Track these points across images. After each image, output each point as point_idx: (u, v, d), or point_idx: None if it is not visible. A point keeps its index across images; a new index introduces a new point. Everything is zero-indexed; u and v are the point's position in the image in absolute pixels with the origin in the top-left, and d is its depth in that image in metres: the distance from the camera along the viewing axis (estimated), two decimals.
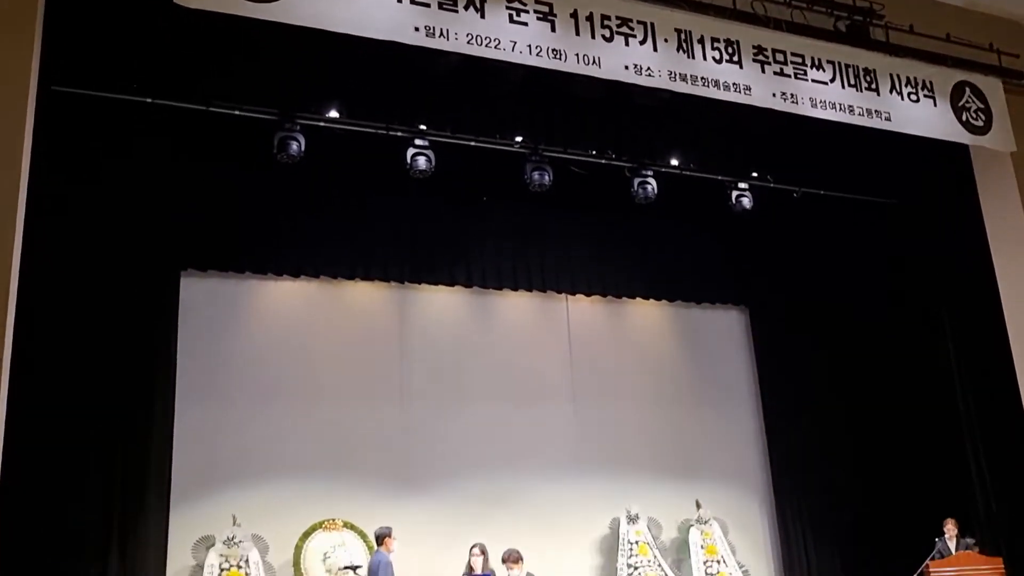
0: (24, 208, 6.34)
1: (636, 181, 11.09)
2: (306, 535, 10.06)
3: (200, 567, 9.65)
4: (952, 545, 10.63)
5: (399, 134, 10.16)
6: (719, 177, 11.60)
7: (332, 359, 11.13)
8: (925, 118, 9.48)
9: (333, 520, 10.22)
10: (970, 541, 10.52)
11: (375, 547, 8.61)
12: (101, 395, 9.56)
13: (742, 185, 11.64)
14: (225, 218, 10.36)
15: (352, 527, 10.27)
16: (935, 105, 9.60)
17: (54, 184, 9.03)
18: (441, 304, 11.85)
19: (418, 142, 10.12)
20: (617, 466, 12.11)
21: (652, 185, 11.11)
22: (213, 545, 9.72)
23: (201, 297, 10.57)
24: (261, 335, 10.86)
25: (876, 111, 9.27)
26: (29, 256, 6.86)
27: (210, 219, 10.29)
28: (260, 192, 10.48)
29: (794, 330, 13.19)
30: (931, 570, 10.32)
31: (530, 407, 11.88)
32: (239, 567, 9.71)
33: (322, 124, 9.91)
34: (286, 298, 11.11)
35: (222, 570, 9.62)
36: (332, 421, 10.90)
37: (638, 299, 12.83)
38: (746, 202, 11.64)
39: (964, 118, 9.76)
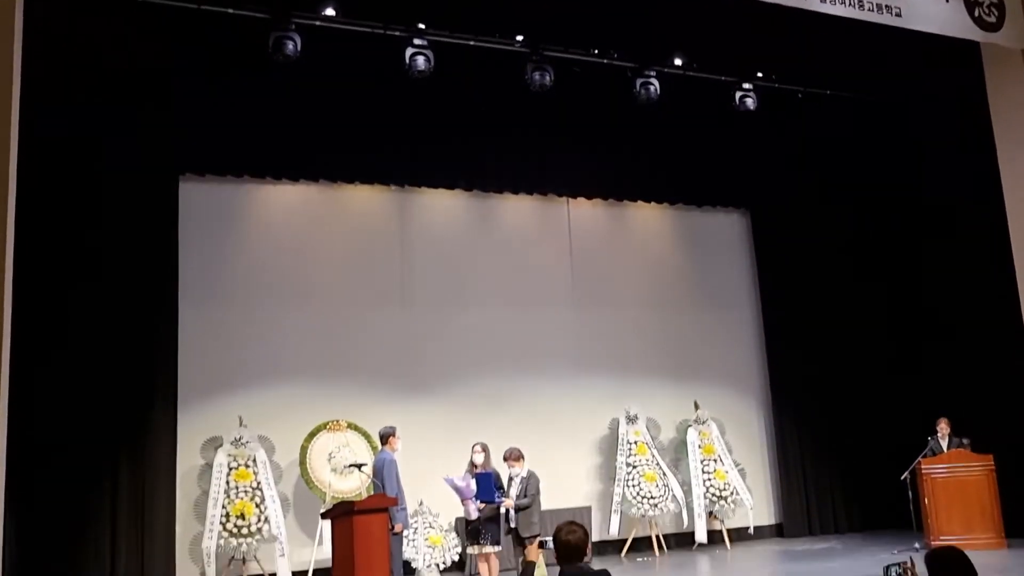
0: (17, 118, 6.27)
1: (639, 82, 10.92)
2: (311, 436, 10.25)
3: (209, 466, 9.89)
4: (944, 444, 10.84)
5: (397, 33, 9.98)
6: (723, 77, 11.42)
7: (333, 263, 11.16)
8: (936, 14, 9.24)
9: (337, 421, 10.40)
10: (963, 440, 10.73)
11: (379, 446, 8.78)
12: (105, 301, 9.67)
13: (746, 85, 11.47)
14: (222, 122, 10.23)
15: (356, 428, 10.47)
16: (947, 0, 9.35)
17: (50, 89, 8.93)
18: (441, 208, 11.82)
19: (417, 41, 9.93)
20: (617, 368, 12.28)
21: (655, 86, 10.95)
22: (221, 445, 9.94)
23: (200, 202, 10.53)
24: (262, 240, 10.86)
25: (887, 6, 9.03)
26: (26, 163, 6.83)
27: (207, 123, 10.17)
28: (258, 96, 10.32)
29: (795, 234, 13.19)
30: (922, 467, 10.59)
31: (531, 310, 11.97)
32: (247, 466, 9.95)
33: (318, 23, 9.72)
34: (286, 202, 11.08)
35: (231, 469, 9.86)
36: (335, 324, 11.01)
37: (639, 202, 12.81)
38: (750, 103, 11.49)
39: (976, 14, 9.51)
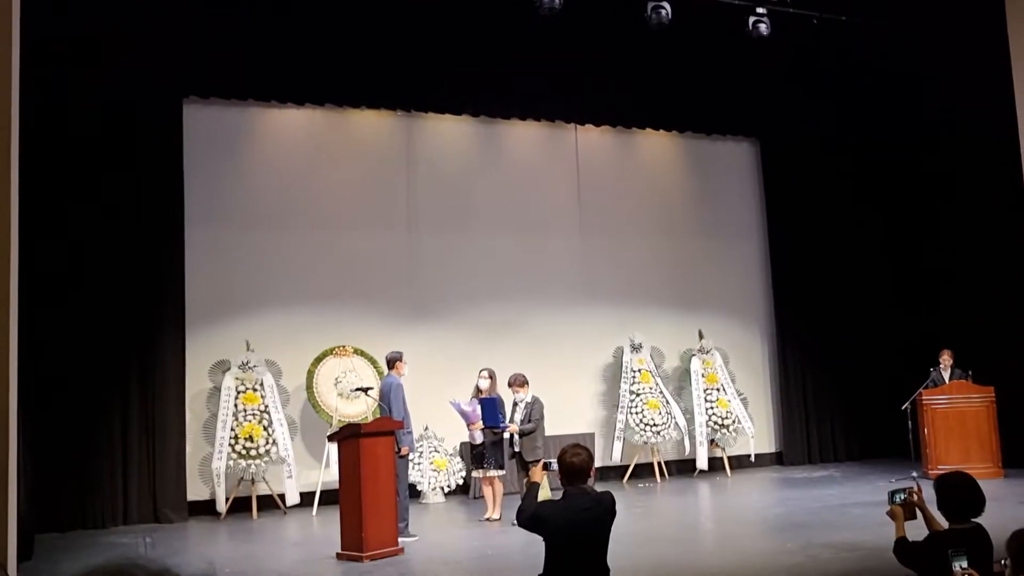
0: (19, 49, 6.19)
1: (650, 6, 10.68)
2: (318, 361, 10.32)
3: (217, 389, 10.00)
4: (946, 375, 10.90)
5: None
6: (737, 1, 11.19)
7: (339, 187, 11.11)
8: None
9: (343, 347, 10.46)
10: (966, 372, 10.78)
11: (385, 371, 8.85)
12: (110, 227, 9.67)
13: (760, 10, 11.23)
14: (226, 44, 10.08)
15: (362, 354, 10.53)
16: None
17: (52, 11, 8.80)
18: (448, 133, 11.71)
19: None
20: (622, 296, 12.30)
21: (666, 9, 10.71)
22: (229, 369, 10.01)
23: (205, 126, 10.45)
24: (267, 164, 10.80)
25: None
26: (30, 88, 6.77)
27: (211, 45, 10.03)
28: (263, 18, 10.16)
29: (805, 165, 13.07)
30: (923, 398, 10.68)
31: (537, 237, 11.95)
32: (254, 390, 10.05)
33: None
34: (291, 127, 10.98)
35: (238, 392, 9.96)
36: (341, 249, 11.01)
37: (648, 130, 12.66)
38: (763, 28, 11.25)
39: None
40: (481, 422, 8.80)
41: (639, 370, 11.91)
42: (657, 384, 11.93)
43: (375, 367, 10.44)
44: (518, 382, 9.00)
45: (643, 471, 11.82)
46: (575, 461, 4.21)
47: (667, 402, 11.85)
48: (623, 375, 11.87)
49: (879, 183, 13.37)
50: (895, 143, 13.18)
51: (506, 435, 8.98)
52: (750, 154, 13.34)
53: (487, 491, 9.05)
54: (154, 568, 0.98)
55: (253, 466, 9.71)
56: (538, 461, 8.65)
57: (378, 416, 8.77)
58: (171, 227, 10.03)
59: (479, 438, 8.86)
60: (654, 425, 11.58)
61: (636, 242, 12.52)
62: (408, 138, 11.50)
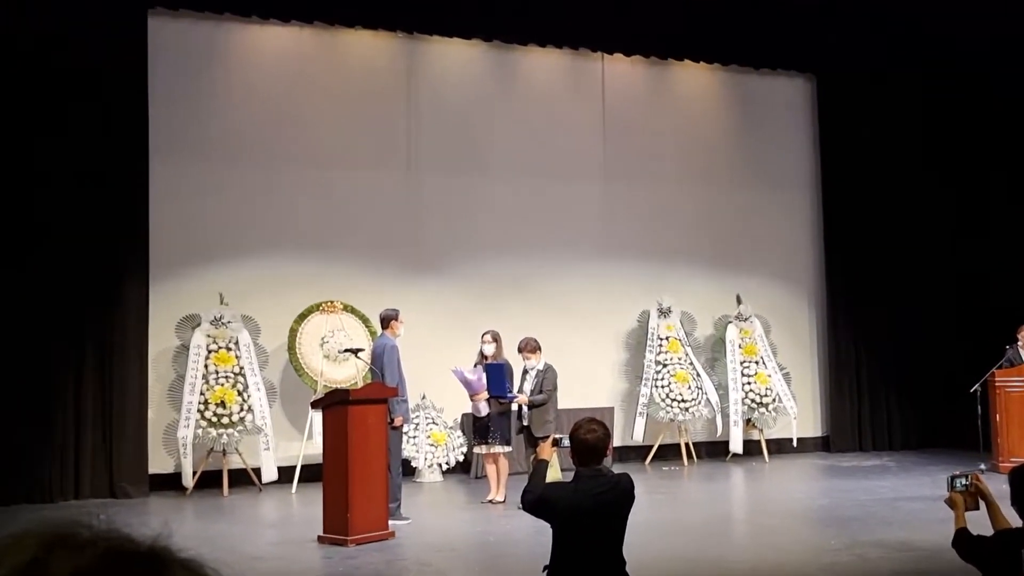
0: None
1: None
2: (302, 317, 10.32)
3: (185, 347, 9.99)
4: None
5: None
6: None
7: (328, 120, 11.03)
8: None
9: (332, 302, 10.45)
10: None
11: (379, 331, 8.83)
12: (66, 156, 9.58)
13: None
14: None
15: (353, 310, 10.54)
16: None
17: None
18: (456, 60, 11.62)
19: None
20: (650, 253, 12.27)
21: None
22: (199, 325, 10.01)
23: (172, 42, 10.35)
24: (246, 91, 10.72)
25: None
26: None
27: None
28: None
29: (868, 105, 12.90)
30: (996, 379, 10.56)
31: (555, 182, 11.91)
32: (228, 349, 10.05)
33: None
34: (274, 46, 10.88)
35: (209, 352, 9.97)
36: (330, 191, 10.97)
37: (686, 61, 12.54)
38: None
39: None
40: (486, 392, 8.81)
41: (667, 338, 11.91)
42: (687, 354, 11.94)
43: (367, 326, 10.44)
44: (529, 347, 9.00)
45: (668, 452, 11.85)
46: (589, 438, 4.18)
47: (698, 375, 11.85)
48: (649, 343, 11.87)
49: (952, 129, 13.14)
50: (965, 91, 12.88)
51: (514, 407, 8.99)
52: (804, 91, 13.20)
53: (490, 470, 9.08)
54: (100, 529, 0.95)
55: (225, 436, 9.74)
56: (549, 437, 8.68)
57: (369, 382, 8.77)
58: (133, 161, 9.95)
59: (483, 410, 8.88)
60: (682, 401, 11.60)
61: (668, 190, 12.45)
62: (409, 64, 11.40)
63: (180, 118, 10.39)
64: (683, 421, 11.70)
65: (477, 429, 9.09)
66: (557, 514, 4.13)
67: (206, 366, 9.93)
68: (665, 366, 11.78)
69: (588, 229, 12.07)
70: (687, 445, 11.80)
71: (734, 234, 12.71)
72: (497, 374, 8.77)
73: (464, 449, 10.74)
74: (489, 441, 8.95)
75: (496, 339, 9.03)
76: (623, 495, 4.20)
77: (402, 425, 8.41)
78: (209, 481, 9.95)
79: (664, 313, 11.98)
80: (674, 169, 12.51)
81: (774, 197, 12.93)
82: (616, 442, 11.68)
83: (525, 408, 8.89)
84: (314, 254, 10.87)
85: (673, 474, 11.13)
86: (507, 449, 9.02)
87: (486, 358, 8.99)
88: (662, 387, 11.67)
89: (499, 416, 8.93)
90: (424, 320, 10.76)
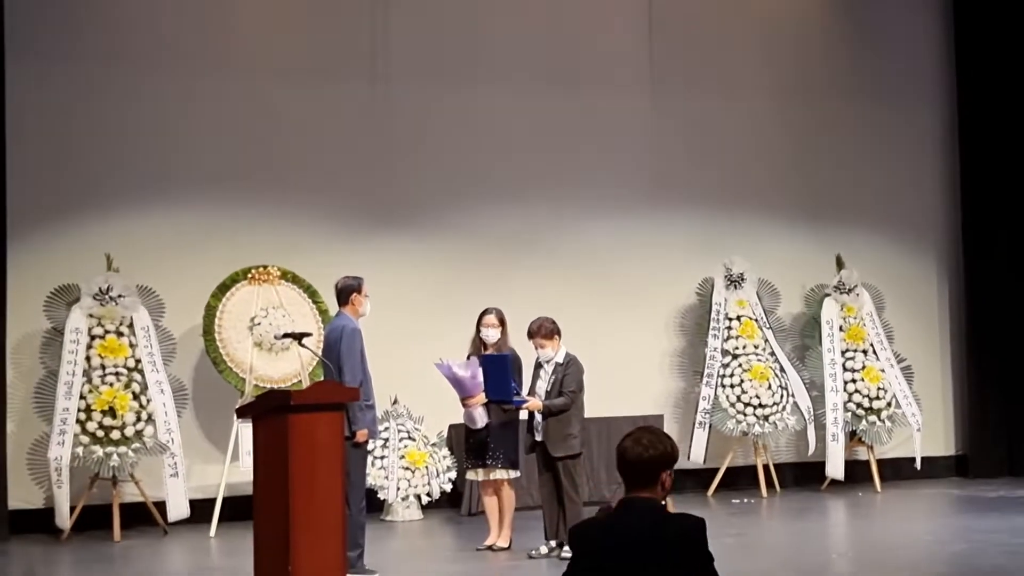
0: None
1: None
2: (223, 290, 10.28)
3: (59, 332, 9.95)
4: None
5: None
6: None
7: (264, 10, 11.04)
8: None
9: (265, 268, 10.41)
10: None
11: (334, 309, 8.80)
12: None
13: None
14: None
15: (295, 279, 10.50)
16: None
17: None
18: None
19: None
20: (714, 197, 12.23)
21: None
22: (78, 300, 9.97)
23: None
24: None
25: None
26: None
27: None
28: None
29: None
30: None
31: (581, 98, 11.86)
32: (119, 334, 10.00)
33: None
34: None
35: (93, 338, 9.93)
36: (263, 109, 10.93)
37: None
38: None
39: None
40: (483, 394, 8.76)
41: (738, 317, 11.87)
42: (766, 341, 11.91)
43: (315, 302, 10.44)
44: (544, 332, 8.92)
45: (740, 479, 11.87)
46: (630, 449, 4.08)
47: (782, 370, 11.83)
48: (712, 325, 11.83)
49: None
50: None
51: (522, 415, 8.94)
52: None
53: (490, 503, 9.02)
54: None
55: (115, 457, 9.68)
56: (573, 457, 8.62)
57: (319, 380, 8.66)
58: None
59: (480, 419, 8.81)
60: (760, 406, 11.57)
61: (739, 110, 12.40)
62: None
63: (50, 6, 10.33)
64: (761, 435, 11.65)
65: (471, 447, 9.02)
66: (579, 552, 4.12)
67: (88, 359, 9.88)
68: (735, 357, 11.74)
69: (627, 163, 12.03)
70: (767, 468, 11.77)
71: (833, 171, 12.67)
72: (499, 370, 8.69)
73: (453, 475, 10.70)
74: (488, 463, 8.88)
75: (501, 321, 8.98)
76: (681, 544, 4.01)
77: (366, 441, 8.36)
78: (93, 520, 9.89)
79: (734, 283, 11.93)
80: (749, 80, 12.47)
81: (889, 118, 12.87)
82: None
83: (538, 417, 8.81)
84: (241, 201, 10.85)
85: (747, 510, 11.07)
86: (513, 474, 8.95)
87: (485, 347, 8.94)
88: (731, 387, 11.62)
89: (502, 428, 8.86)
90: (398, 294, 10.70)
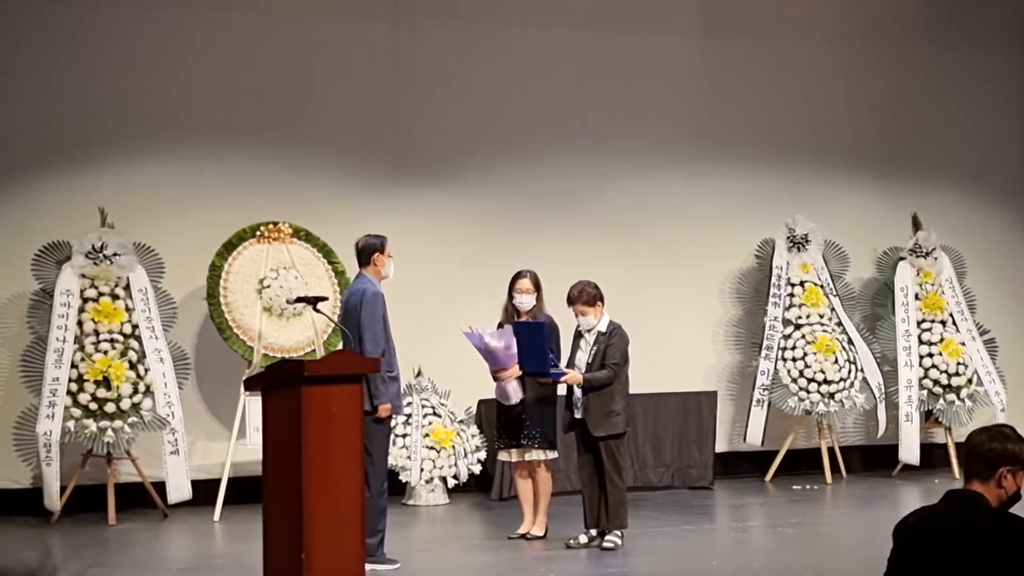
0: None
1: None
2: (229, 248, 10.31)
3: (48, 294, 9.99)
4: None
5: None
6: None
7: None
8: None
9: (276, 225, 10.44)
10: None
11: (353, 271, 8.79)
12: None
13: None
14: None
15: (309, 237, 10.54)
16: None
17: None
18: None
19: None
20: (775, 149, 12.26)
21: None
22: (69, 259, 10.01)
23: None
24: None
25: None
26: None
27: None
28: None
29: None
30: None
31: (627, 38, 11.85)
32: (114, 297, 10.04)
33: None
34: None
35: (85, 301, 9.97)
36: (276, 47, 10.99)
37: None
38: None
39: None
40: (517, 366, 8.77)
41: (802, 283, 11.88)
42: (833, 309, 11.91)
43: (331, 262, 10.49)
44: (585, 298, 8.91)
45: (802, 463, 11.91)
46: (980, 440, 4.14)
47: (849, 342, 11.83)
48: (773, 291, 11.84)
49: None
50: None
51: (560, 389, 8.95)
52: None
53: (523, 487, 9.03)
54: None
55: (110, 432, 9.74)
56: (616, 437, 8.62)
57: (337, 349, 8.68)
58: None
59: (513, 394, 8.82)
60: (825, 382, 11.57)
61: (802, 54, 12.41)
62: None
63: None
64: (826, 414, 11.66)
65: (504, 424, 9.04)
66: (895, 547, 4.23)
67: (80, 324, 9.93)
68: (798, 327, 11.74)
69: (676, 111, 12.04)
70: (831, 451, 11.77)
71: (910, 123, 12.66)
72: (535, 339, 8.69)
73: (482, 455, 10.76)
74: (523, 443, 8.90)
75: (535, 285, 8.97)
76: (1004, 547, 3.98)
77: (389, 417, 8.37)
78: (87, 502, 9.98)
79: (798, 244, 11.92)
80: (812, 22, 12.47)
81: (972, 62, 12.84)
82: (723, 446, 11.72)
83: (578, 392, 8.82)
84: (250, 150, 10.89)
85: (809, 497, 11.08)
86: (550, 455, 8.97)
87: (519, 314, 8.94)
88: (793, 361, 11.63)
89: (538, 404, 8.87)
90: (424, 255, 10.77)
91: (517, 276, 9.05)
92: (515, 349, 8.73)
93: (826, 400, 11.58)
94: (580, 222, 11.54)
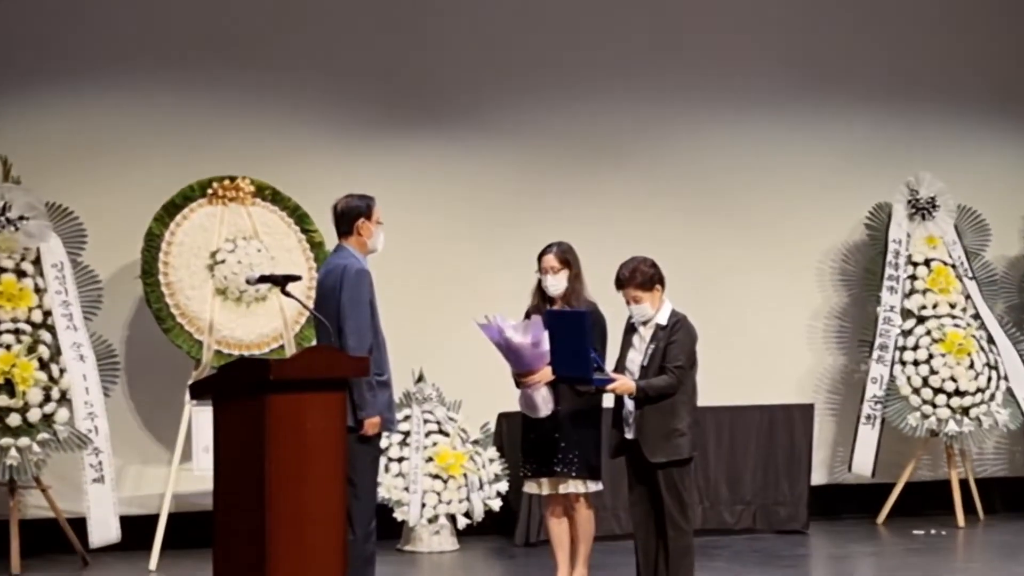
0: None
1: None
2: (171, 212, 10.36)
3: None
4: None
5: None
6: None
7: None
8: None
9: (233, 181, 10.48)
10: None
11: (331, 241, 8.75)
12: None
13: None
14: None
15: (277, 197, 10.59)
16: None
17: None
18: None
19: None
20: (890, 89, 12.34)
21: None
22: None
23: None
24: None
25: None
26: None
27: None
28: None
29: None
30: None
31: None
32: (20, 273, 10.05)
33: None
34: None
35: None
36: None
37: None
38: None
39: None
40: (548, 368, 8.77)
41: (927, 262, 11.92)
42: (968, 297, 11.94)
43: (305, 230, 10.55)
44: (638, 281, 8.86)
45: (926, 499, 11.97)
46: None
47: (990, 340, 11.86)
48: (888, 272, 11.87)
49: None
50: None
51: (606, 399, 8.95)
52: None
53: (557, 529, 9.04)
54: None
55: (14, 452, 9.74)
56: (680, 464, 8.58)
57: (311, 345, 8.72)
58: None
59: (544, 405, 8.82)
60: (956, 393, 11.58)
61: None
62: None
63: None
64: (958, 436, 11.65)
65: (532, 446, 9.03)
66: None
67: None
68: (922, 321, 11.77)
69: (762, 46, 12.16)
70: (965, 485, 11.79)
71: None
72: (573, 333, 8.66)
73: (503, 487, 10.79)
74: (556, 470, 8.88)
75: (566, 261, 8.95)
76: None
77: (378, 436, 8.38)
78: None
79: (922, 211, 11.95)
80: None
81: None
82: (821, 479, 11.75)
83: (629, 404, 8.81)
84: (200, 85, 10.98)
85: (935, 546, 11.06)
86: (592, 487, 8.96)
87: (550, 301, 8.94)
88: (915, 365, 11.65)
89: (576, 420, 8.86)
90: (425, 221, 10.87)
91: (544, 251, 9.00)
92: (546, 346, 8.70)
93: (958, 417, 11.60)
94: (630, 182, 11.65)
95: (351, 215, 8.29)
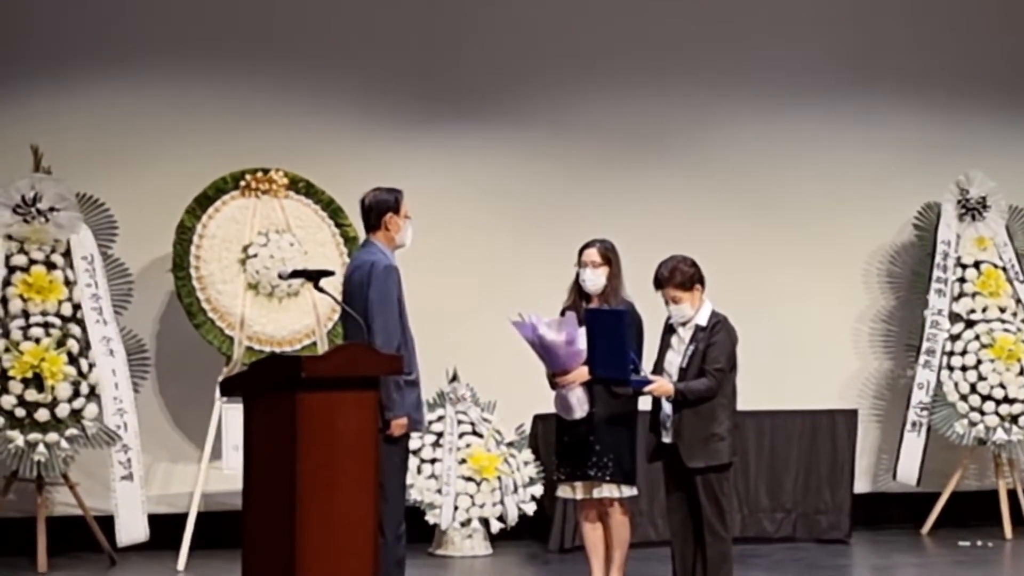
0: None
1: None
2: (204, 204, 10.43)
3: None
4: None
5: None
6: None
7: None
8: None
9: (266, 173, 10.56)
10: None
11: (361, 237, 8.79)
12: None
13: None
14: None
15: (311, 190, 10.66)
16: None
17: None
18: None
19: None
20: (941, 83, 12.31)
21: None
22: None
23: None
24: None
25: None
26: None
27: None
28: None
29: None
30: None
31: None
32: (50, 265, 10.13)
33: None
34: None
35: (12, 270, 10.05)
36: None
37: None
38: None
39: None
40: (584, 368, 8.80)
41: (976, 264, 11.92)
42: (1019, 301, 11.92)
43: (339, 224, 10.63)
44: (678, 280, 8.86)
45: (973, 510, 11.96)
46: None
47: None
48: (936, 274, 11.86)
49: None
50: None
51: (643, 402, 8.97)
52: None
53: (591, 534, 9.05)
54: None
55: (42, 448, 9.81)
56: (719, 469, 8.60)
57: (341, 343, 8.77)
58: None
59: (579, 407, 8.83)
60: (1006, 400, 11.57)
61: None
62: None
63: None
64: (1007, 444, 11.64)
65: (566, 449, 9.05)
66: None
67: (4, 301, 10.04)
68: (971, 325, 11.75)
69: (812, 32, 12.14)
70: (1014, 495, 11.78)
71: None
72: (611, 333, 8.68)
73: (538, 490, 10.84)
74: (591, 474, 8.89)
75: (607, 258, 8.96)
76: None
77: (406, 435, 8.39)
78: (9, 541, 10.11)
79: (972, 211, 11.95)
80: None
81: None
82: (865, 487, 11.73)
83: (667, 407, 8.83)
84: (233, 76, 11.05)
85: (983, 558, 11.04)
86: (628, 492, 8.97)
87: (588, 299, 8.98)
88: (963, 370, 11.64)
89: (612, 423, 8.87)
90: (457, 216, 10.92)
91: (584, 247, 9.02)
92: (581, 344, 8.72)
93: (1007, 426, 11.59)
94: (671, 178, 11.67)
95: (379, 209, 8.25)
